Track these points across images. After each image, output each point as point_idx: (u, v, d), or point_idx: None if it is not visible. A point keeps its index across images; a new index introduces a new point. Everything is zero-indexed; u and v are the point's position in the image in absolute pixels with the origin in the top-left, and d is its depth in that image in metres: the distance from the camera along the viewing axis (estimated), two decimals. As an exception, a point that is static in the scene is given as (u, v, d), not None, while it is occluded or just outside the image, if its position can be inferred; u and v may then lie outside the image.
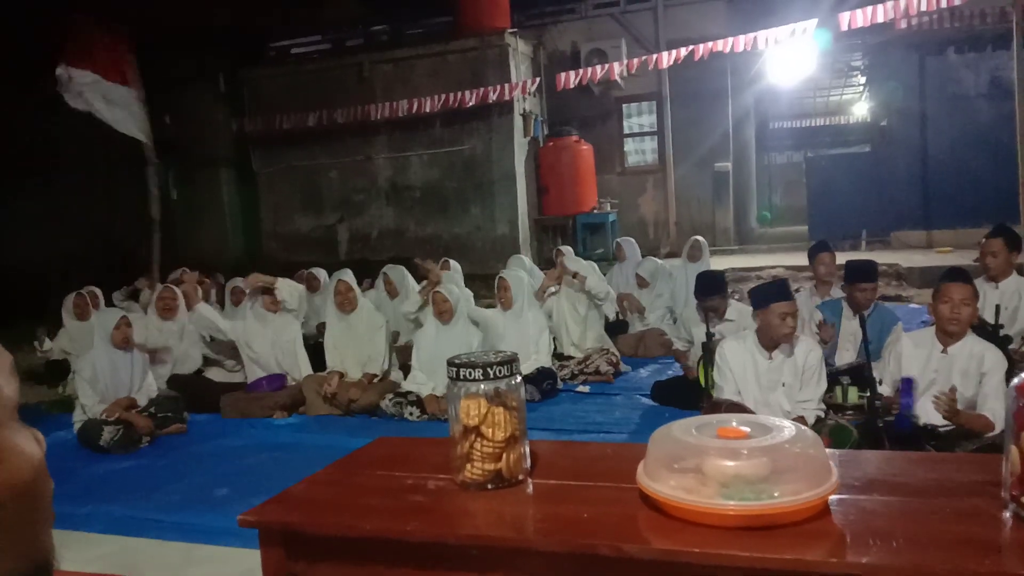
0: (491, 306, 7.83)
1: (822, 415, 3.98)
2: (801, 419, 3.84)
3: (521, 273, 6.49)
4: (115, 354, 5.19)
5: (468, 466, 1.62)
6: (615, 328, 7.17)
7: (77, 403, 5.18)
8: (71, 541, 3.49)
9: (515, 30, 12.13)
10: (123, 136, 7.17)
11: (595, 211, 12.35)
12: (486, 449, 1.60)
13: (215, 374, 6.32)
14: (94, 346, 5.26)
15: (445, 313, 5.52)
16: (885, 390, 3.97)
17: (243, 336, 5.93)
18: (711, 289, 5.29)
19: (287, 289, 5.93)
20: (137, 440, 5.06)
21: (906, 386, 3.73)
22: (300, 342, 6.04)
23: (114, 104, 6.99)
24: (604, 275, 7.44)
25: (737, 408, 3.87)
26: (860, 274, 5.06)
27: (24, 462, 0.63)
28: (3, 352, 0.65)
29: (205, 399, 5.78)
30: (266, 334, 5.93)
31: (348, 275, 6.01)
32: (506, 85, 11.23)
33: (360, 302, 5.93)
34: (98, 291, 7.17)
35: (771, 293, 3.91)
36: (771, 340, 3.91)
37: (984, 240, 5.21)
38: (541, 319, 6.13)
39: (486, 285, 9.88)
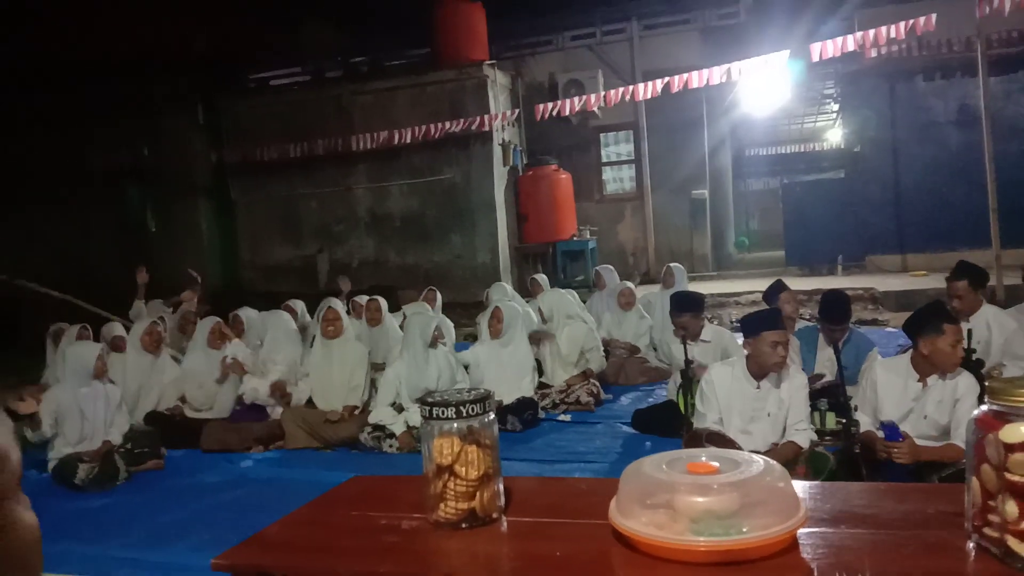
0: (472, 335, 7.83)
1: (815, 436, 3.95)
2: (793, 444, 3.84)
3: (516, 304, 6.48)
4: (88, 389, 5.07)
5: (442, 505, 1.62)
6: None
7: (51, 440, 5.08)
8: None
9: (493, 61, 12.28)
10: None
11: (574, 238, 12.43)
12: (459, 488, 1.60)
13: (190, 411, 6.24)
14: (62, 383, 5.14)
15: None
16: (863, 417, 3.98)
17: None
18: (681, 307, 5.32)
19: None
20: (114, 477, 4.98)
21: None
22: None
23: None
24: (584, 303, 7.46)
25: (718, 437, 3.86)
26: (835, 317, 5.06)
27: (28, 534, 0.64)
28: (4, 418, 0.66)
29: (183, 434, 5.71)
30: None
31: (335, 302, 6.08)
32: (485, 115, 11.33)
33: (346, 331, 5.93)
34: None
35: (762, 322, 3.90)
36: (760, 369, 3.88)
37: (948, 282, 5.21)
38: (529, 354, 6.10)
39: (467, 314, 9.87)
